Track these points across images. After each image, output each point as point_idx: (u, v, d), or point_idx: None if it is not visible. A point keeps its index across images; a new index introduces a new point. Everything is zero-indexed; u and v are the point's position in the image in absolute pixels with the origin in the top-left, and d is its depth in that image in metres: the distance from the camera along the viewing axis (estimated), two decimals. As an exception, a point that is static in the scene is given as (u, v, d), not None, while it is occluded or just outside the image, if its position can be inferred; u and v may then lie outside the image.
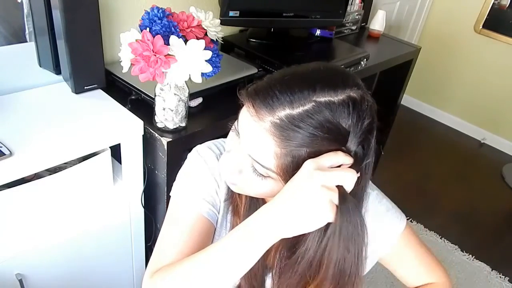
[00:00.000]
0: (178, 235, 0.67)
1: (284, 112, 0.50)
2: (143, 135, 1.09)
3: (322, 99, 0.50)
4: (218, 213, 0.73)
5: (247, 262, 0.54)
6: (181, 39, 0.85)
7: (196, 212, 0.69)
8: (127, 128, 1.05)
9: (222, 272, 0.54)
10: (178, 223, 0.68)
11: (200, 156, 0.74)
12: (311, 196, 0.50)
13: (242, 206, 0.71)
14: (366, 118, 0.53)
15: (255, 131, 0.53)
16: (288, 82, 0.52)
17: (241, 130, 0.56)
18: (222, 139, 0.78)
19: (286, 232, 0.52)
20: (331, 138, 0.51)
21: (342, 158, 0.51)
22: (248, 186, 0.60)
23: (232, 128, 0.61)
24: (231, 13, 1.36)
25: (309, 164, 0.51)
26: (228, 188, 0.70)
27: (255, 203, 0.70)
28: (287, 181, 0.54)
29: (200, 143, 0.78)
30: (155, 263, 0.64)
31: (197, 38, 0.89)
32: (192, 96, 1.10)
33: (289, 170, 0.53)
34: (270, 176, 0.56)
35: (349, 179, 0.51)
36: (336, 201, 0.50)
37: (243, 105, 0.56)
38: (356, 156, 0.53)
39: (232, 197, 0.72)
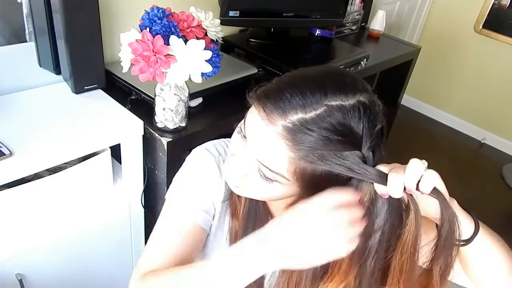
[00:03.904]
0: (172, 242, 0.67)
1: (296, 116, 0.49)
2: (143, 135, 1.09)
3: (334, 103, 0.50)
4: (213, 219, 0.72)
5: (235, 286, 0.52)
6: (181, 39, 0.85)
7: (192, 222, 0.69)
8: (127, 128, 1.05)
9: None
10: (174, 230, 0.68)
11: (199, 159, 0.73)
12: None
13: (241, 208, 0.70)
14: (377, 123, 0.52)
15: (266, 135, 0.52)
16: (299, 85, 0.51)
17: (249, 133, 0.55)
18: (223, 139, 0.77)
19: (289, 265, 0.51)
20: (345, 141, 0.50)
21: (348, 196, 0.51)
22: (252, 190, 0.59)
23: (237, 130, 0.59)
24: (231, 13, 1.36)
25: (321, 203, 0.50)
26: (228, 189, 0.69)
27: (254, 206, 0.69)
28: (304, 186, 0.53)
29: (200, 143, 0.77)
30: (146, 265, 0.65)
31: (197, 38, 0.89)
32: (192, 96, 1.10)
33: (306, 175, 0.52)
34: (277, 180, 0.55)
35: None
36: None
37: (249, 107, 0.55)
38: (367, 161, 0.52)
39: (231, 199, 0.71)
